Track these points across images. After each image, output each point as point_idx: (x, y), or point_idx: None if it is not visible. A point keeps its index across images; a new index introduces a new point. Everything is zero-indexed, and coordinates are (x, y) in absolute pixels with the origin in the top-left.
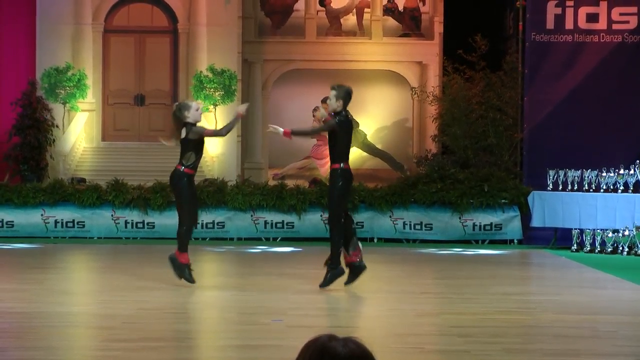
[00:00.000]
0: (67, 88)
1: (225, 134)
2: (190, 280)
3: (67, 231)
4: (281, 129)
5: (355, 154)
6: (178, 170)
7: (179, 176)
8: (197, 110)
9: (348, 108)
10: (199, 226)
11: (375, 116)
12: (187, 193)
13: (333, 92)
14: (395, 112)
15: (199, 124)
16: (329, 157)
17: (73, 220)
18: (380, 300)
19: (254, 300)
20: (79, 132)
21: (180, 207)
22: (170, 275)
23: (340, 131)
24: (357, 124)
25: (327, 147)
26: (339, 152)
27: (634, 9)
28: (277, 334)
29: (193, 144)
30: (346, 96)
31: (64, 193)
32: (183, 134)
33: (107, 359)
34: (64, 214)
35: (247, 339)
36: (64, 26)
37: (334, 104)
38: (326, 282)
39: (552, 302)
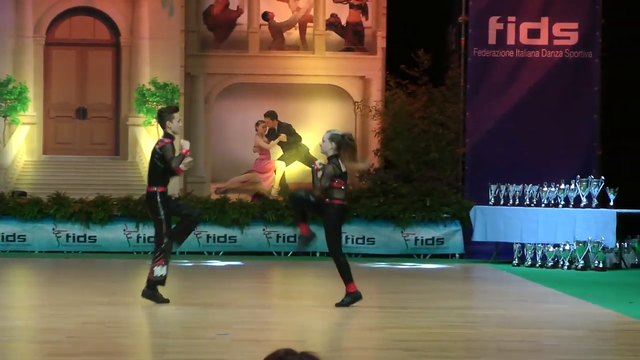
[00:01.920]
0: (8, 101)
1: None
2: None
3: (8, 245)
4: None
5: (298, 169)
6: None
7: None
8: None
9: (291, 122)
10: (140, 240)
11: (318, 130)
12: None
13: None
14: (338, 126)
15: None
16: (272, 171)
17: (14, 234)
18: (325, 315)
19: (198, 314)
20: (20, 146)
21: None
22: (112, 289)
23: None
24: (300, 138)
25: (270, 161)
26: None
27: (575, 25)
28: (223, 348)
29: None
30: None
31: (4, 207)
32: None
33: None
34: (5, 227)
35: (193, 353)
36: (5, 39)
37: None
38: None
39: (495, 316)
